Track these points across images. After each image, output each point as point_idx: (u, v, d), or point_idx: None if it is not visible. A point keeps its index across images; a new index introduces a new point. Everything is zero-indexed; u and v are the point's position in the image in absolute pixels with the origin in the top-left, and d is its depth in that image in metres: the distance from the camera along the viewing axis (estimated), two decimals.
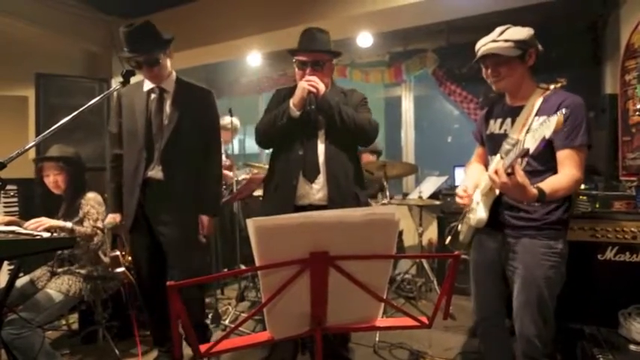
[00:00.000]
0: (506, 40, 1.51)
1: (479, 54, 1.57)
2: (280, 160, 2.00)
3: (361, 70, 4.46)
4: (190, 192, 2.12)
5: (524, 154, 1.30)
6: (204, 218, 2.18)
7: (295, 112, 1.88)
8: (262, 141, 2.03)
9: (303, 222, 0.95)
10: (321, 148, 1.93)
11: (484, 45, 1.55)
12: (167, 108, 2.12)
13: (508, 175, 1.33)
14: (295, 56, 1.97)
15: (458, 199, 1.70)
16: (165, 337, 2.23)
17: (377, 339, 2.49)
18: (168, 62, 2.14)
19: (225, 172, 3.62)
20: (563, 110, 1.28)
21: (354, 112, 1.92)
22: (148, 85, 2.14)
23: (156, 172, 2.09)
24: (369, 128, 1.94)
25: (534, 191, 1.34)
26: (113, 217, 2.18)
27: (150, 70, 2.05)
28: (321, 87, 1.86)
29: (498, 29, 1.56)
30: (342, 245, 0.97)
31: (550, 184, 1.41)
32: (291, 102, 1.89)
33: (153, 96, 2.12)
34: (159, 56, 2.03)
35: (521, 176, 1.30)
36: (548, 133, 1.22)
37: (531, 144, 1.27)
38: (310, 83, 1.85)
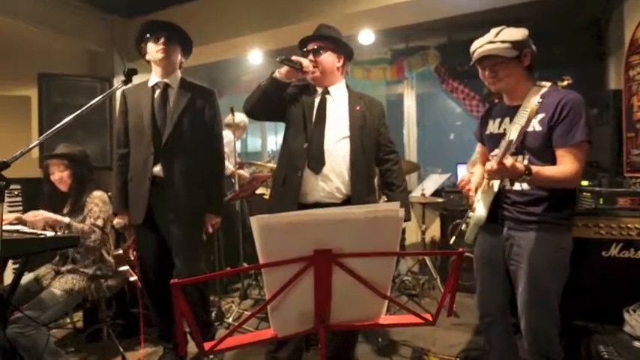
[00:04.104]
0: (502, 41, 1.50)
1: (475, 56, 1.57)
2: (286, 154, 2.00)
3: (363, 68, 4.45)
4: (190, 191, 2.12)
5: (509, 145, 1.34)
6: (211, 217, 2.19)
7: (276, 74, 1.88)
8: (245, 105, 1.99)
9: (307, 220, 0.95)
10: (328, 141, 1.91)
11: (480, 47, 1.55)
12: (170, 103, 2.14)
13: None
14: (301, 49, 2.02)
15: (461, 187, 1.74)
16: (171, 333, 2.24)
17: (380, 337, 2.49)
18: (179, 59, 2.20)
19: (240, 171, 3.65)
20: (539, 99, 1.42)
21: (404, 180, 2.06)
22: (153, 80, 2.18)
23: (158, 169, 2.10)
24: (399, 160, 2.09)
25: (521, 166, 1.40)
26: (122, 218, 2.19)
27: (165, 49, 2.08)
28: (306, 64, 1.88)
29: (494, 30, 1.56)
30: (346, 242, 0.97)
31: (540, 167, 1.45)
32: (281, 69, 1.88)
33: (157, 91, 2.15)
34: (177, 42, 2.14)
35: (509, 160, 1.38)
36: (522, 122, 1.34)
37: (514, 135, 1.35)
38: (298, 59, 1.88)
